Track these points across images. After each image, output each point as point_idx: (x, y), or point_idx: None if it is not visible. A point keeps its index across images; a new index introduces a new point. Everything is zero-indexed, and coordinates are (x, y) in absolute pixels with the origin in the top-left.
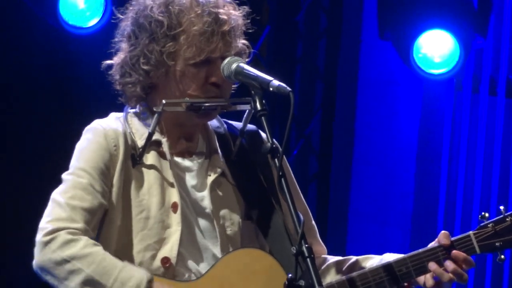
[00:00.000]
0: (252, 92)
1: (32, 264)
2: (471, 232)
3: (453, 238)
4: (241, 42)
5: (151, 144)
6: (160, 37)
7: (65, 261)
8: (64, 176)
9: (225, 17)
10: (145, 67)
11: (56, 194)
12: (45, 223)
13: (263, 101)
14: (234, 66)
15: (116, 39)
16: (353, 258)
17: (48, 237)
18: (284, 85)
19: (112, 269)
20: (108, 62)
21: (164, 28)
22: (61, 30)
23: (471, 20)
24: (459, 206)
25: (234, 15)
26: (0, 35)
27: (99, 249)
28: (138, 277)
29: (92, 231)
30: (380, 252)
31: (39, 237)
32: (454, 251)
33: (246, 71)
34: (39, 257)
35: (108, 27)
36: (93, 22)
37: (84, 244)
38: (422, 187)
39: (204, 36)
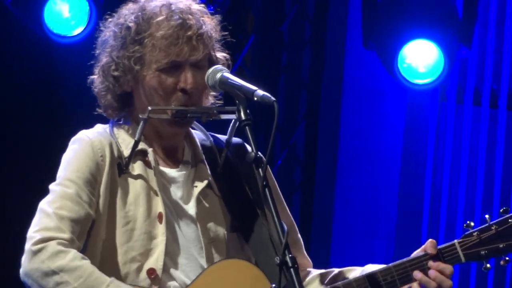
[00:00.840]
0: (237, 101)
1: (19, 273)
2: (456, 241)
3: (438, 247)
4: (219, 53)
5: (137, 154)
6: (128, 42)
7: (54, 272)
8: (52, 186)
9: (192, 22)
10: (115, 74)
11: (44, 204)
12: (33, 232)
13: (247, 111)
14: (218, 75)
15: (97, 51)
16: (336, 270)
17: (37, 246)
18: (268, 94)
19: (99, 285)
20: (92, 77)
21: (132, 33)
22: (46, 38)
23: (456, 30)
24: (443, 216)
25: (205, 21)
26: None
27: (87, 263)
28: None
29: (79, 242)
30: (364, 262)
31: (28, 246)
32: (429, 263)
33: (231, 81)
34: (28, 266)
35: (93, 36)
36: (78, 31)
37: (73, 257)
38: (407, 197)
39: (168, 39)
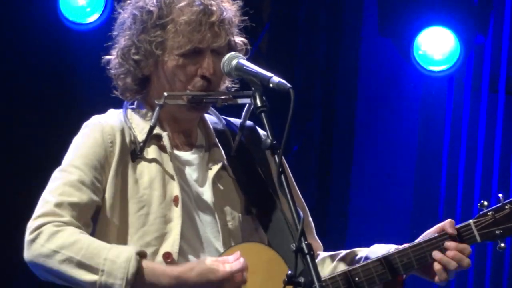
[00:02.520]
0: (252, 88)
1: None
2: (471, 221)
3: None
4: (238, 38)
5: (152, 138)
6: (150, 27)
7: (55, 252)
8: (55, 173)
9: (214, 8)
10: (135, 57)
11: (45, 193)
12: (31, 222)
13: (263, 98)
14: (234, 62)
15: (115, 33)
16: (343, 252)
17: (33, 234)
18: (284, 81)
19: (101, 250)
20: (108, 57)
21: (154, 17)
22: (61, 26)
23: (472, 17)
24: (459, 203)
25: (226, 7)
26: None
27: (85, 235)
28: (127, 252)
29: (84, 227)
30: None
31: (26, 236)
32: (446, 243)
33: (246, 68)
34: (29, 254)
35: (108, 23)
36: (93, 18)
37: (71, 233)
38: (422, 184)
39: (191, 25)
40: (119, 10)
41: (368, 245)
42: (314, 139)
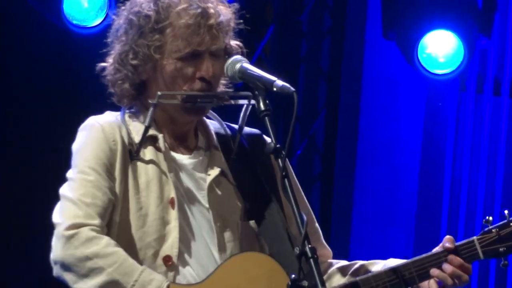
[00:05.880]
0: (256, 92)
1: (50, 258)
2: (475, 238)
3: (457, 243)
4: (233, 42)
5: (148, 139)
6: (147, 31)
7: (88, 258)
8: (70, 174)
9: (212, 10)
10: (133, 62)
11: (67, 192)
12: (63, 218)
13: (267, 101)
14: (237, 66)
15: (109, 39)
16: (358, 262)
17: (70, 232)
18: (287, 85)
19: (133, 271)
20: (103, 64)
21: (152, 22)
22: (65, 29)
23: (476, 20)
24: (463, 207)
25: (224, 10)
26: (4, 34)
27: (120, 249)
28: (158, 280)
29: (106, 228)
30: (383, 252)
31: (60, 231)
32: (450, 256)
33: (250, 71)
34: (61, 251)
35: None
36: (97, 21)
37: (107, 243)
38: (426, 187)
39: (190, 28)
40: (113, 17)
41: (371, 250)
42: (317, 143)
